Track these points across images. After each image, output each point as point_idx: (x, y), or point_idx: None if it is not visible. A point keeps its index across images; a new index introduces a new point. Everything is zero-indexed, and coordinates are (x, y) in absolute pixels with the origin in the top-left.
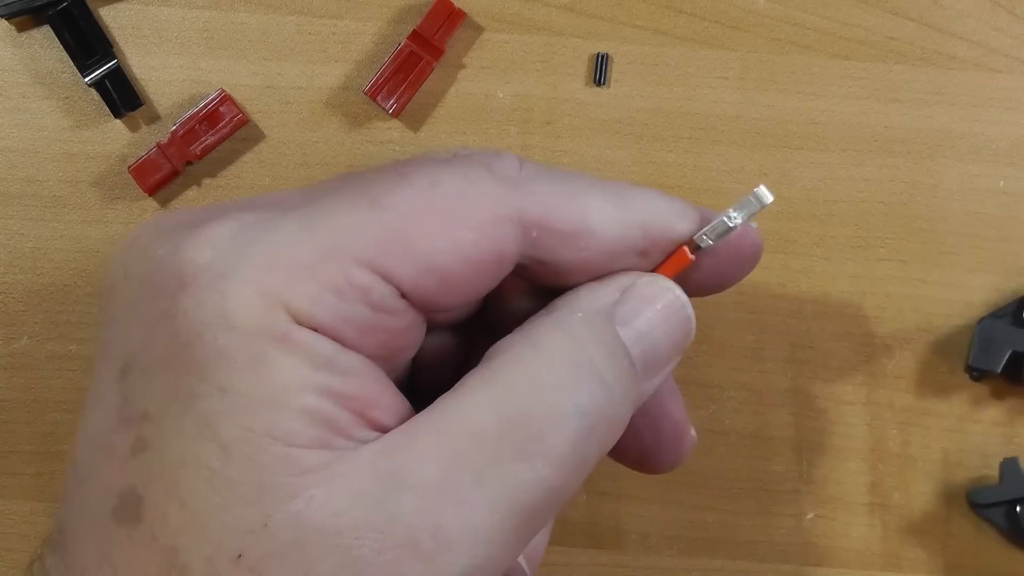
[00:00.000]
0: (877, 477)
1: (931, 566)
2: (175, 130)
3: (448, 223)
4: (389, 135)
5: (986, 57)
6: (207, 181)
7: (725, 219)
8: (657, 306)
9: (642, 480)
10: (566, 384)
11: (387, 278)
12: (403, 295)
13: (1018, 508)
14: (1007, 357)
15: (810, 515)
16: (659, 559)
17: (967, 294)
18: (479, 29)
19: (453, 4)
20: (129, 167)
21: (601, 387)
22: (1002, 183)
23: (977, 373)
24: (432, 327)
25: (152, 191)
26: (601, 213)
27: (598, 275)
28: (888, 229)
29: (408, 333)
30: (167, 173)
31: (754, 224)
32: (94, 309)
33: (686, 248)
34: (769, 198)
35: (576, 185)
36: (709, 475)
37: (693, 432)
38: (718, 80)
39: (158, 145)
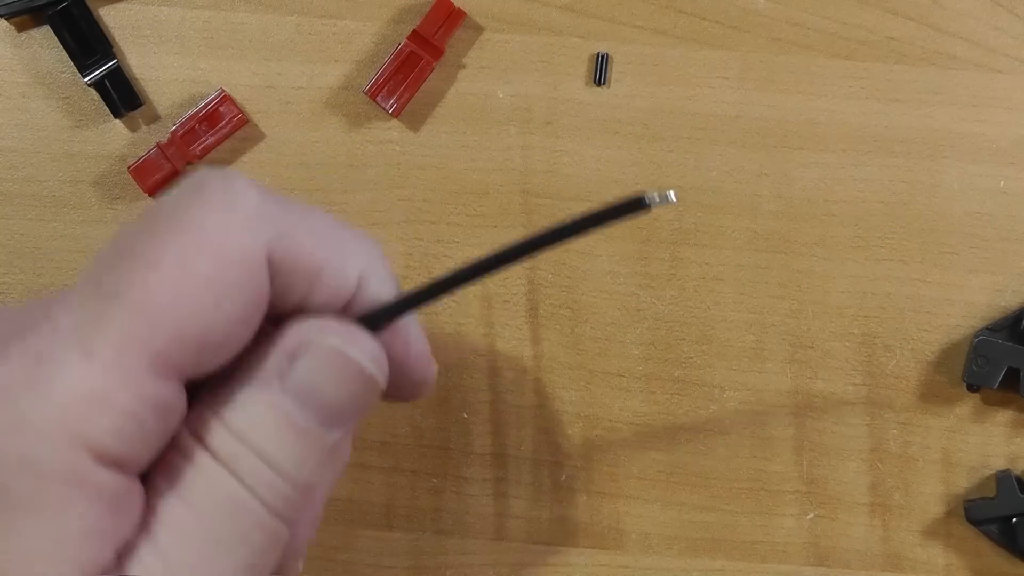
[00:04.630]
0: (877, 477)
1: (931, 567)
2: (175, 130)
3: (210, 294)
4: (389, 135)
5: (986, 57)
6: None
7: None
8: (329, 367)
9: (642, 480)
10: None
11: (173, 375)
12: (183, 378)
13: (1014, 521)
14: (1003, 373)
15: (810, 515)
16: (659, 559)
17: (967, 294)
18: (479, 29)
19: (453, 4)
20: (129, 167)
21: (282, 481)
22: (1002, 183)
23: (974, 387)
24: None
25: (152, 191)
26: (335, 255)
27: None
28: (888, 229)
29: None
30: (167, 173)
31: (433, 367)
32: None
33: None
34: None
35: (311, 218)
36: (709, 475)
37: (434, 365)
38: (718, 80)
39: (158, 145)
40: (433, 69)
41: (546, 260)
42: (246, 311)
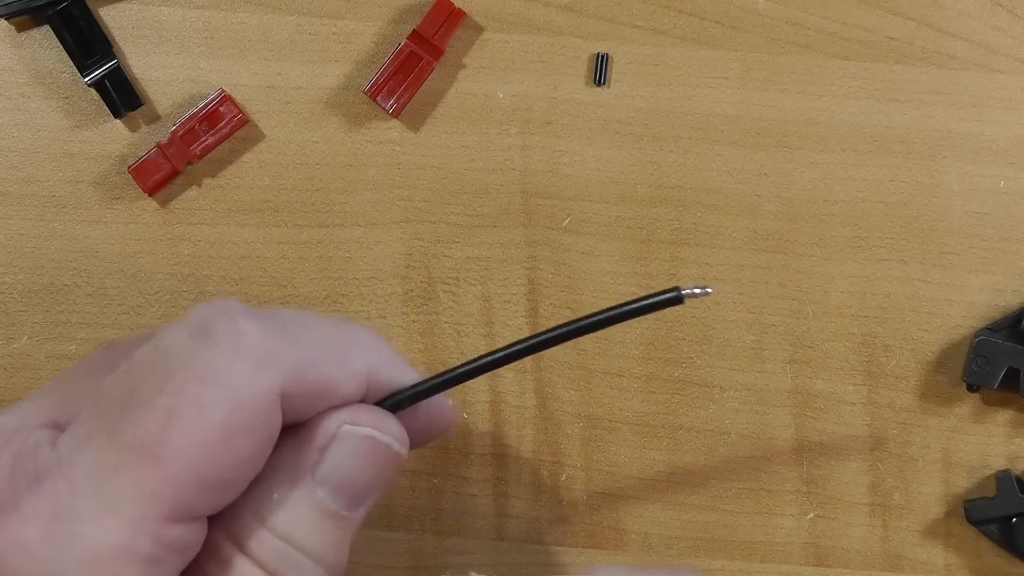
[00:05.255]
0: (877, 477)
1: (931, 566)
2: (175, 130)
3: (226, 443)
4: (389, 135)
5: (986, 57)
6: (207, 181)
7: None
8: (358, 453)
9: (642, 480)
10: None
11: (192, 518)
12: (205, 520)
13: (1014, 521)
14: (1003, 373)
15: (810, 515)
16: (659, 559)
17: (967, 294)
18: (479, 29)
19: (453, 4)
20: (129, 167)
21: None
22: (1002, 183)
23: (974, 387)
24: None
25: (152, 191)
26: (341, 370)
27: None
28: (888, 229)
29: (204, 529)
30: (167, 173)
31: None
32: (94, 309)
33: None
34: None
35: (314, 340)
36: (709, 475)
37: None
38: (718, 80)
39: (158, 145)
40: (433, 69)
41: (546, 260)
42: (260, 448)
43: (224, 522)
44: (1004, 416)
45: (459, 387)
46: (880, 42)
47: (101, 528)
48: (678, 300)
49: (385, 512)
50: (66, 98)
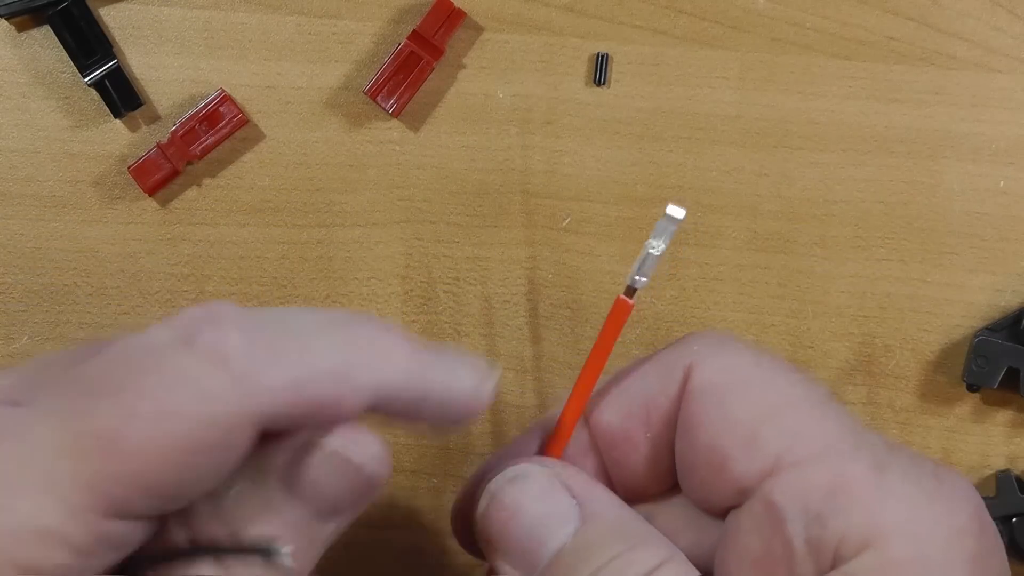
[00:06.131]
0: None
1: None
2: (175, 130)
3: (185, 454)
4: (389, 135)
5: (986, 57)
6: (207, 181)
7: (649, 250)
8: (330, 467)
9: None
10: None
11: (132, 517)
12: (147, 520)
13: (1014, 520)
14: (1003, 373)
15: None
16: None
17: (967, 294)
18: (479, 29)
19: (453, 4)
20: (129, 167)
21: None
22: (1002, 183)
23: (974, 387)
24: None
25: (152, 191)
26: (338, 388)
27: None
28: (888, 229)
29: (152, 527)
30: (167, 173)
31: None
32: (94, 309)
33: (624, 297)
34: (681, 214)
35: (309, 355)
36: None
37: (484, 391)
38: (718, 80)
39: (158, 145)
40: (433, 69)
41: (546, 260)
42: (223, 466)
43: (193, 513)
44: (1004, 416)
45: None
46: (880, 42)
47: (36, 506)
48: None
49: (385, 512)
50: (66, 98)
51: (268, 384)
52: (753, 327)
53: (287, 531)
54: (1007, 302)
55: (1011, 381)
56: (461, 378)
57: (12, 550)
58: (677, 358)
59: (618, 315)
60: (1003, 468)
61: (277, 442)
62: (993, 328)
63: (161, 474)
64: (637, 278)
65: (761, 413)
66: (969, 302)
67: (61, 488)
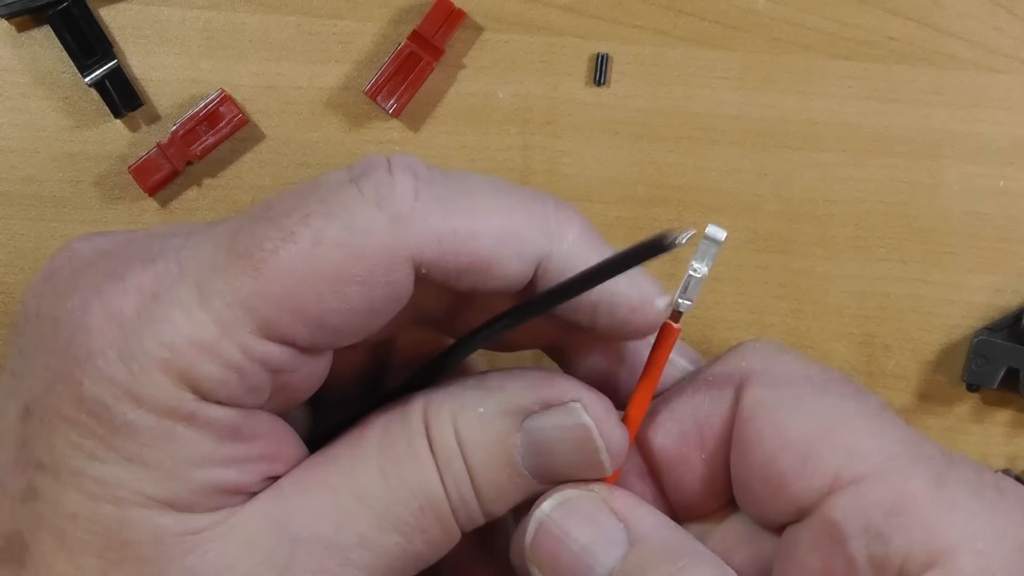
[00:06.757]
0: None
1: None
2: (175, 130)
3: (335, 283)
4: (389, 135)
5: (986, 57)
6: (207, 181)
7: (691, 273)
8: (565, 434)
9: None
10: (452, 475)
11: (284, 342)
12: (301, 351)
13: None
14: (1003, 373)
15: None
16: None
17: (967, 294)
18: (479, 29)
19: (453, 4)
20: (129, 167)
21: (479, 481)
22: (1002, 183)
23: (974, 387)
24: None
25: (152, 191)
26: (500, 248)
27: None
28: (888, 229)
29: (311, 377)
30: (167, 173)
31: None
32: None
33: (670, 322)
34: (722, 235)
35: (475, 212)
36: None
37: (659, 301)
38: (718, 80)
39: (158, 145)
40: (433, 69)
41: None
42: (372, 306)
43: (429, 394)
44: (1004, 416)
45: None
46: (880, 42)
47: (192, 319)
48: (662, 247)
49: None
50: (66, 98)
51: (426, 229)
52: (753, 327)
53: (507, 475)
54: (1007, 302)
55: (1011, 381)
56: (633, 276)
57: (168, 359)
58: (727, 376)
59: (666, 341)
60: (1003, 468)
61: (535, 384)
62: (993, 328)
63: (309, 299)
64: (681, 301)
65: (816, 430)
66: (969, 302)
67: (212, 303)
